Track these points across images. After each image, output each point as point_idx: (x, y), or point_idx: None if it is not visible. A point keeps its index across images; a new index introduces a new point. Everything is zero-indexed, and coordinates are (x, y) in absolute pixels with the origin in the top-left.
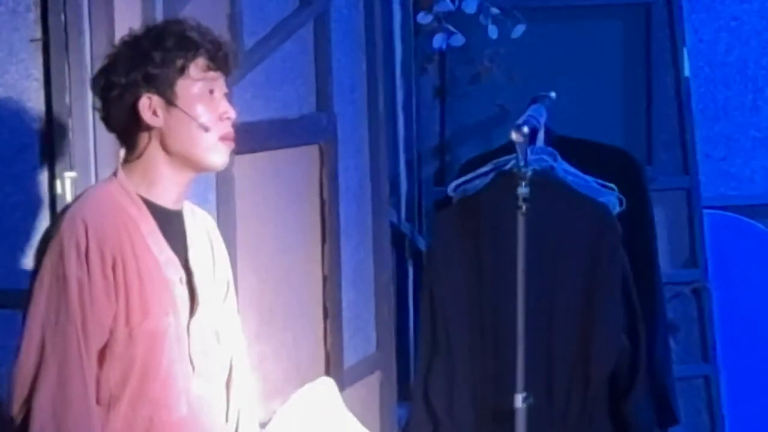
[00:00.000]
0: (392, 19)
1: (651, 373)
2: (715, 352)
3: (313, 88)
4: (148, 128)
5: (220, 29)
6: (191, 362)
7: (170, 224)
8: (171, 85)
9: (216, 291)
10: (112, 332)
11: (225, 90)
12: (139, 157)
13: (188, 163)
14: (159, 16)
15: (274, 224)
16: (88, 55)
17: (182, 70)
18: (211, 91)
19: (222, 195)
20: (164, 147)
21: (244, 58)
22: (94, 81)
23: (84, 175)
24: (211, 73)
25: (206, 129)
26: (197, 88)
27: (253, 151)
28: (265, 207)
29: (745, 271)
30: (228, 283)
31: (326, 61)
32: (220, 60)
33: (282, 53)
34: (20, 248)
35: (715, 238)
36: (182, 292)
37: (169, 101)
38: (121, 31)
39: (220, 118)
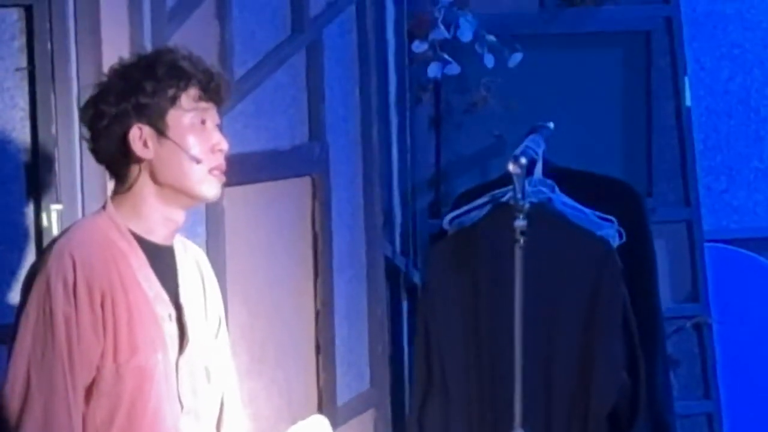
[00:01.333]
0: (386, 47)
1: (652, 410)
2: (717, 389)
3: (305, 118)
4: (139, 160)
5: (209, 58)
6: (180, 400)
7: (161, 259)
8: (162, 115)
9: (207, 327)
10: (99, 369)
11: (217, 120)
12: (129, 189)
13: (179, 195)
14: (147, 45)
15: (265, 257)
16: (75, 85)
17: (174, 101)
18: (203, 122)
19: (212, 228)
20: (154, 179)
21: (235, 87)
22: (83, 110)
23: (70, 207)
24: (203, 104)
25: (198, 161)
26: (189, 118)
27: (243, 182)
28: (256, 240)
29: (748, 306)
30: (220, 319)
31: (319, 90)
32: (212, 90)
33: (273, 82)
34: (5, 282)
35: (716, 272)
36: (172, 328)
37: (160, 132)
38: (108, 60)
39: (212, 150)
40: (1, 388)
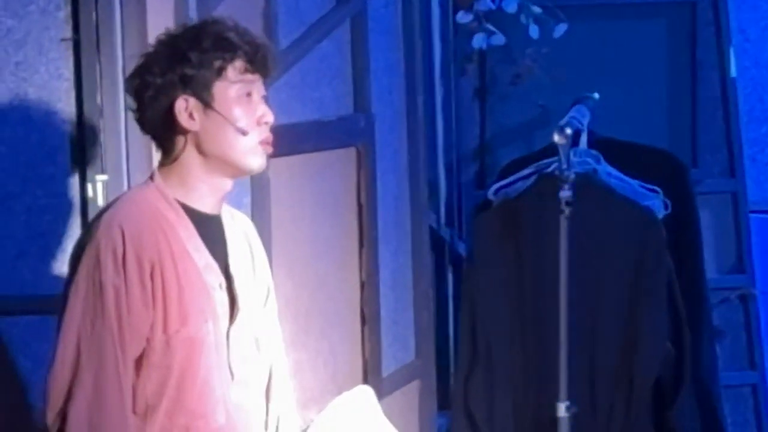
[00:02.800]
0: (431, 18)
1: (697, 381)
2: (763, 360)
3: (350, 89)
4: (184, 131)
5: (254, 28)
6: (230, 370)
7: (209, 229)
8: (208, 87)
9: (256, 296)
10: (149, 340)
11: (263, 92)
12: (175, 160)
13: (225, 166)
14: (192, 14)
15: (310, 229)
16: (120, 55)
17: (220, 72)
18: (249, 94)
19: (257, 199)
20: (200, 150)
21: (280, 58)
22: (129, 81)
23: (116, 178)
24: (249, 76)
25: (244, 133)
26: (235, 90)
27: (288, 153)
28: (301, 211)
29: None
30: (268, 288)
31: (364, 61)
32: (258, 62)
33: (318, 53)
34: (50, 253)
35: (761, 243)
36: (222, 297)
37: (206, 104)
38: (153, 30)
39: (258, 122)
40: (51, 361)
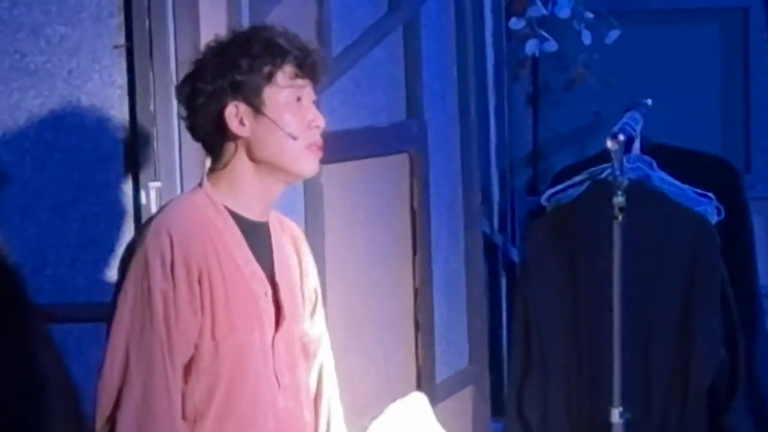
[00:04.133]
0: (484, 24)
1: (750, 387)
2: None
3: (402, 95)
4: (235, 137)
5: (307, 35)
6: (276, 377)
7: (256, 236)
8: (258, 92)
9: (303, 304)
10: (197, 346)
11: (313, 97)
12: (225, 166)
13: (276, 172)
14: (245, 21)
15: (363, 235)
16: (173, 62)
17: (269, 78)
18: (299, 99)
19: (310, 205)
20: (251, 156)
21: (333, 64)
22: (180, 88)
23: (169, 184)
24: (299, 81)
25: (294, 137)
26: (285, 95)
27: (341, 160)
28: (354, 217)
29: None
30: (317, 296)
31: (416, 67)
32: (308, 67)
33: (371, 59)
34: (104, 260)
35: None
36: (268, 306)
37: (257, 109)
38: (206, 37)
39: (309, 127)
40: (100, 366)
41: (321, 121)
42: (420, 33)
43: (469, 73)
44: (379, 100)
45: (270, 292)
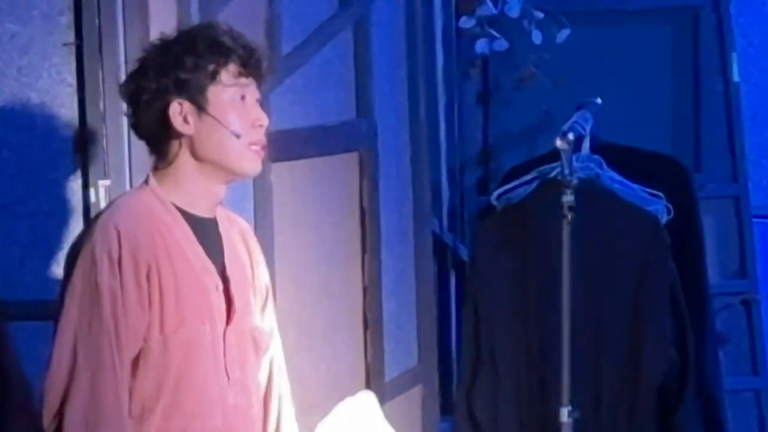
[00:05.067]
0: (434, 23)
1: (700, 386)
2: (765, 365)
3: (352, 94)
4: (179, 135)
5: (258, 33)
6: (226, 372)
7: (205, 232)
8: (202, 91)
9: (254, 299)
10: (146, 340)
11: (258, 96)
12: (169, 164)
13: (219, 170)
14: (195, 20)
15: (313, 233)
16: (123, 60)
17: (214, 76)
18: (243, 98)
19: (259, 203)
20: (195, 155)
21: (283, 62)
22: (124, 86)
23: (118, 182)
24: (243, 79)
25: (237, 136)
26: (229, 94)
27: (291, 158)
28: (303, 216)
29: None
30: (267, 291)
31: (366, 66)
32: (252, 66)
33: (321, 58)
34: (54, 258)
35: (765, 248)
36: (219, 300)
37: (201, 108)
38: (156, 35)
39: (253, 125)
40: (47, 362)
41: (265, 120)
42: (370, 32)
43: (419, 72)
44: (329, 99)
45: (221, 285)
